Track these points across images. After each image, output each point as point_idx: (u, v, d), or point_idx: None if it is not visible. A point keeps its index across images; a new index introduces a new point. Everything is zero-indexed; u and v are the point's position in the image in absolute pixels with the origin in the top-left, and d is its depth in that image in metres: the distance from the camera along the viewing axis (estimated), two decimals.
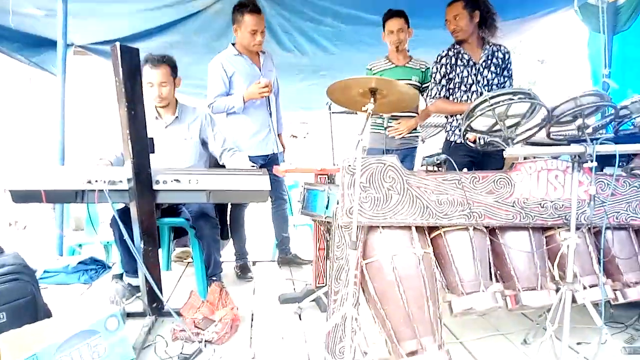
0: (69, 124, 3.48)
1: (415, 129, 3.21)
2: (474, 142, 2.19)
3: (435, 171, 2.05)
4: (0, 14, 3.54)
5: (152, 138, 2.21)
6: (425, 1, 3.83)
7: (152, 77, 2.59)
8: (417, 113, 3.20)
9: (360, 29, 4.07)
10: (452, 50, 2.83)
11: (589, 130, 2.10)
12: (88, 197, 2.07)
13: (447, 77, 2.82)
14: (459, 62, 2.80)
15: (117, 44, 1.95)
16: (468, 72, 2.79)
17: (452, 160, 2.76)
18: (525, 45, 11.22)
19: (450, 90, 2.85)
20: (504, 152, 1.78)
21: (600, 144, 1.80)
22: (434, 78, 2.86)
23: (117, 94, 2.03)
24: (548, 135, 2.07)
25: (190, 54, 4.14)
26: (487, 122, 1.91)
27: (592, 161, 1.73)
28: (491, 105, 1.77)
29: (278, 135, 3.26)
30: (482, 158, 2.74)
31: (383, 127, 3.08)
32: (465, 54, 2.79)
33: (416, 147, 3.26)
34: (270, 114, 3.06)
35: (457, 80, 2.81)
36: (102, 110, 6.17)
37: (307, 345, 2.14)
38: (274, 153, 3.12)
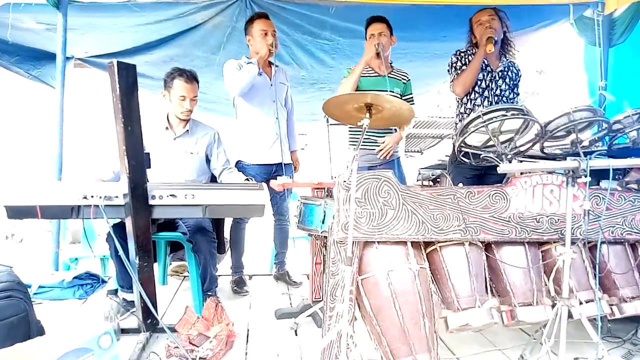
0: (67, 137, 3.49)
1: None
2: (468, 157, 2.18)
3: (430, 186, 2.05)
4: (0, 28, 3.57)
5: (148, 153, 2.22)
6: (420, 15, 3.88)
7: (186, 91, 2.69)
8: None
9: (357, 42, 4.08)
10: (470, 51, 2.83)
11: (585, 143, 2.11)
12: (84, 213, 2.07)
13: (462, 69, 2.81)
14: None
15: (115, 60, 1.96)
16: (484, 76, 2.80)
17: (455, 173, 2.78)
18: (523, 56, 11.30)
19: None
20: (497, 168, 1.78)
21: (594, 158, 1.80)
22: (454, 66, 2.83)
23: (114, 110, 2.03)
24: (541, 150, 2.08)
25: (189, 67, 4.17)
26: (481, 138, 1.92)
27: (585, 176, 1.73)
28: (484, 121, 1.78)
29: (292, 152, 3.29)
30: (487, 169, 2.73)
31: (369, 142, 2.98)
32: (485, 58, 2.80)
33: (398, 157, 3.17)
34: (278, 122, 3.08)
35: None
36: (101, 123, 6.19)
37: None
38: (280, 163, 3.10)
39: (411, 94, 3.12)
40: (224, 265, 3.30)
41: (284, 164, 3.10)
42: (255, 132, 3.05)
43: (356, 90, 2.86)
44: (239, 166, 3.10)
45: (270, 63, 3.11)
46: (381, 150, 2.99)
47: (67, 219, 3.25)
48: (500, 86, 2.84)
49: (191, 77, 2.72)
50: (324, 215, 2.13)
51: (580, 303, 1.96)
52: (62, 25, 3.36)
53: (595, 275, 1.96)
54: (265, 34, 2.97)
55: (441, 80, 4.93)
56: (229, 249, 3.22)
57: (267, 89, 3.05)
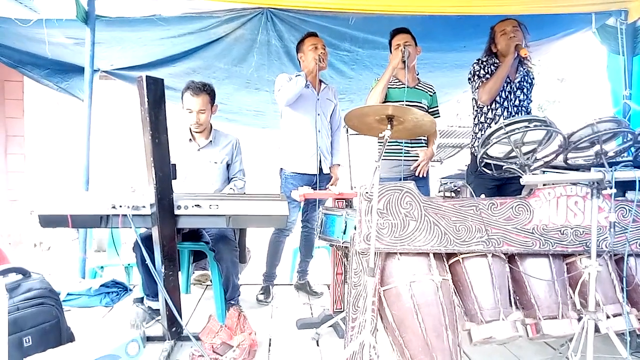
0: (93, 147, 3.59)
1: None
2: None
3: (452, 197, 2.05)
4: (32, 43, 3.71)
5: (174, 164, 2.27)
6: (439, 25, 3.89)
7: (192, 104, 2.72)
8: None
9: (376, 54, 4.13)
10: (491, 60, 2.85)
11: (610, 154, 2.08)
12: (112, 222, 2.12)
13: (487, 77, 2.82)
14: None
15: (143, 75, 2.02)
16: (503, 87, 2.80)
17: (475, 184, 2.77)
18: (544, 64, 11.19)
19: None
20: (520, 180, 1.78)
21: (620, 169, 1.78)
22: (477, 74, 2.85)
23: (142, 122, 2.09)
24: (565, 161, 2.06)
25: (211, 79, 4.25)
26: (504, 149, 1.91)
27: (611, 188, 1.71)
28: (507, 132, 1.78)
29: (332, 166, 3.32)
30: (507, 180, 2.70)
31: (400, 152, 2.98)
32: None
33: (428, 169, 3.15)
34: (320, 134, 3.13)
35: None
36: (124, 134, 6.34)
37: None
38: (316, 174, 3.15)
39: (437, 106, 3.14)
40: (246, 274, 3.33)
41: (322, 175, 3.17)
42: (296, 141, 3.14)
43: (385, 100, 2.90)
44: (282, 174, 3.20)
45: (320, 81, 3.21)
46: (416, 167, 2.99)
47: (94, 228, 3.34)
48: (518, 97, 2.85)
49: (197, 90, 2.70)
50: (345, 226, 2.15)
51: (608, 317, 1.92)
52: (90, 40, 3.46)
53: (622, 288, 1.92)
54: (315, 48, 3.09)
55: (461, 89, 4.92)
56: (266, 257, 3.26)
57: (312, 101, 3.14)
